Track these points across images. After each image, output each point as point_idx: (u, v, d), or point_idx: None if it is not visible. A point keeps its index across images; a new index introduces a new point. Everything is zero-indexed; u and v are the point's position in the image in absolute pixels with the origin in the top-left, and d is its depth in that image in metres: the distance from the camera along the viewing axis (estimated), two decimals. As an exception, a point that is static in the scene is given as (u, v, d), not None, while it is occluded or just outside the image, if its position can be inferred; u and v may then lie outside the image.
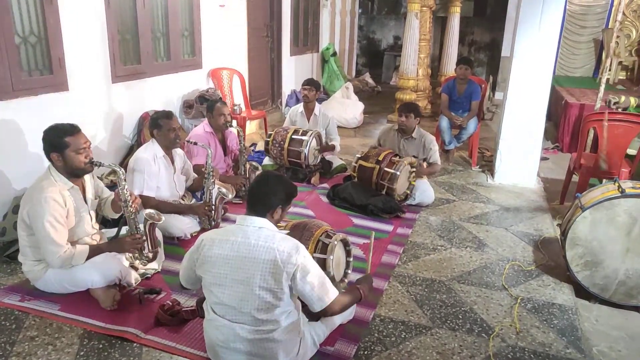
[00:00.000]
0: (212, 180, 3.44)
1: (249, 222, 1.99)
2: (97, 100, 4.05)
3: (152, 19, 4.60)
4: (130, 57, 4.40)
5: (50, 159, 2.51)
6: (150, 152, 3.27)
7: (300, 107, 4.95)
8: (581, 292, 2.93)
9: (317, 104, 4.91)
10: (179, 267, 2.94)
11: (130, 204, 2.62)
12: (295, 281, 1.91)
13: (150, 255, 2.75)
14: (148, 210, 2.76)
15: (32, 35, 3.41)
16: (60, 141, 2.46)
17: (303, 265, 1.92)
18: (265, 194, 2.02)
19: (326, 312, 2.02)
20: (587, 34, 8.73)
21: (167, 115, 3.32)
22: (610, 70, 6.75)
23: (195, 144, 3.45)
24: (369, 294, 2.31)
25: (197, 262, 2.03)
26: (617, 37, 6.28)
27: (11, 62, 3.24)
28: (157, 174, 3.28)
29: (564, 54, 8.90)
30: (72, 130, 2.49)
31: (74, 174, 2.55)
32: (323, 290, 1.98)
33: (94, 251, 2.58)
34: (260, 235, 1.96)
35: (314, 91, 4.79)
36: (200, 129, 4.05)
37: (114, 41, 4.10)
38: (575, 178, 4.33)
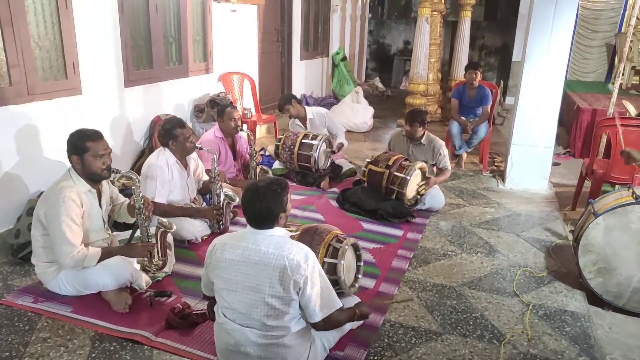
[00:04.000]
0: (219, 184, 3.46)
1: (259, 230, 2.00)
2: (110, 105, 4.10)
3: (165, 24, 4.66)
4: (143, 62, 4.46)
5: (70, 161, 2.57)
6: (163, 158, 3.29)
7: (296, 120, 4.95)
8: (594, 299, 2.89)
9: (306, 108, 4.89)
10: (190, 271, 3.01)
11: (143, 211, 2.65)
12: (302, 291, 1.92)
13: (160, 263, 2.77)
14: (161, 218, 2.78)
15: (47, 41, 3.46)
16: (81, 144, 2.52)
17: (311, 276, 1.93)
18: (262, 216, 1.98)
19: (319, 325, 1.99)
20: (600, 38, 8.65)
21: (180, 124, 3.32)
22: (623, 75, 6.68)
23: (201, 149, 3.48)
24: (362, 315, 2.32)
25: (210, 266, 2.05)
26: (631, 41, 6.21)
27: (27, 66, 3.29)
28: (169, 180, 3.30)
29: (576, 59, 8.83)
30: (94, 135, 2.57)
31: (92, 178, 2.60)
32: (325, 302, 1.98)
33: (106, 254, 2.60)
34: (271, 242, 1.97)
35: (289, 105, 4.74)
36: (211, 134, 4.08)
37: (127, 46, 4.15)
38: (587, 184, 4.29)
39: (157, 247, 2.73)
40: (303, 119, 4.85)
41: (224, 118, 4.01)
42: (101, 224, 2.72)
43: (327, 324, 2.01)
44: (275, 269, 1.91)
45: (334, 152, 4.65)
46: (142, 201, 2.65)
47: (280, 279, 1.91)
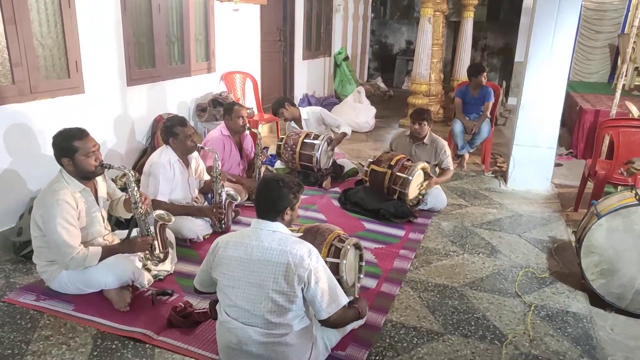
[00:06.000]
0: (220, 183, 3.46)
1: (263, 226, 2.02)
2: (112, 103, 4.10)
3: (167, 24, 4.66)
4: (145, 61, 4.46)
5: (61, 164, 2.53)
6: (165, 157, 3.30)
7: (291, 122, 4.96)
8: (596, 300, 2.89)
9: (300, 109, 4.87)
10: (192, 269, 3.01)
11: (140, 205, 2.64)
12: (307, 286, 1.92)
13: (162, 255, 2.77)
14: (158, 211, 2.78)
15: (50, 39, 3.47)
16: (69, 146, 2.48)
17: (315, 270, 1.93)
18: (271, 201, 2.03)
19: (329, 322, 2.00)
20: (602, 39, 8.65)
21: (182, 122, 3.31)
22: (626, 76, 6.67)
23: (202, 148, 3.48)
24: (365, 312, 2.31)
25: (213, 264, 2.06)
26: (634, 42, 6.20)
27: (29, 65, 3.30)
28: (171, 178, 3.30)
29: (579, 59, 8.82)
30: (80, 134, 2.51)
31: (86, 177, 2.58)
32: (332, 297, 1.98)
33: (107, 252, 2.60)
34: (274, 238, 1.98)
35: (282, 109, 4.74)
36: (217, 132, 4.07)
37: (130, 45, 4.16)
38: (590, 185, 4.28)
39: (158, 240, 2.73)
40: (298, 120, 4.84)
41: (232, 116, 3.99)
42: (100, 221, 2.71)
43: (336, 320, 2.01)
44: (279, 265, 1.92)
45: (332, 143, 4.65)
46: (138, 195, 2.64)
47: (285, 274, 1.91)
